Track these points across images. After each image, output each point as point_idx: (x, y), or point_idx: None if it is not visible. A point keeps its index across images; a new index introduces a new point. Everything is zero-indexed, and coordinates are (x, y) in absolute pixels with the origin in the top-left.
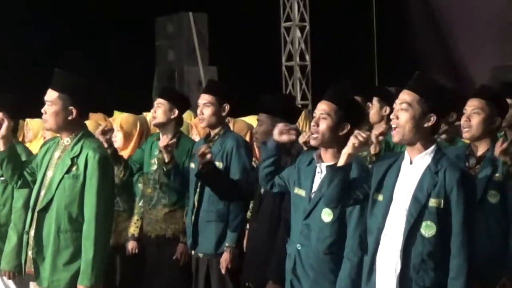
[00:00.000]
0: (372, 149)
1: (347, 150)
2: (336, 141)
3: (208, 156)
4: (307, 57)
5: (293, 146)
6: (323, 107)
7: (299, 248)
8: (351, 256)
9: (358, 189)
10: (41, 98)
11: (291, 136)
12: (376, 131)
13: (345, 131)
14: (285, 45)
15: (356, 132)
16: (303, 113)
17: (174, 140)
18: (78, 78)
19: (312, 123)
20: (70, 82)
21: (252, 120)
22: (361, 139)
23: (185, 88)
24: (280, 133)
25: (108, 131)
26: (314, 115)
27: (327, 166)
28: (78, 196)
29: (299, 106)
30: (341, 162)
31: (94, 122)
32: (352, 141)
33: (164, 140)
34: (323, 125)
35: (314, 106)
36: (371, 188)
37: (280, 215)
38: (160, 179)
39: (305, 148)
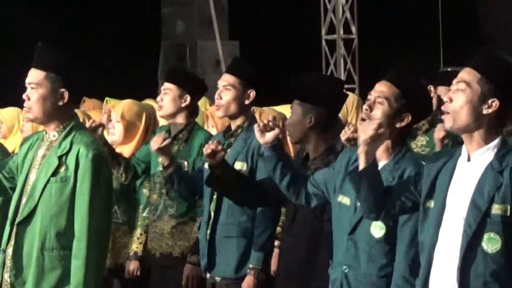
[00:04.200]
0: None
1: (360, 150)
2: (391, 134)
3: (219, 155)
4: (353, 29)
5: (337, 141)
6: (382, 88)
7: (346, 271)
8: (401, 283)
9: (403, 195)
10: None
11: (275, 131)
12: (438, 134)
13: (403, 124)
14: (326, 14)
15: (365, 122)
16: (352, 100)
17: (168, 140)
18: (67, 53)
19: (365, 107)
20: (59, 58)
21: (285, 109)
22: (372, 132)
23: (199, 68)
24: (261, 133)
25: (97, 128)
26: (369, 97)
27: (348, 175)
28: (68, 205)
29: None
30: (361, 164)
31: (82, 113)
32: (361, 137)
33: (157, 141)
34: (378, 111)
35: (362, 90)
36: (422, 194)
37: (322, 228)
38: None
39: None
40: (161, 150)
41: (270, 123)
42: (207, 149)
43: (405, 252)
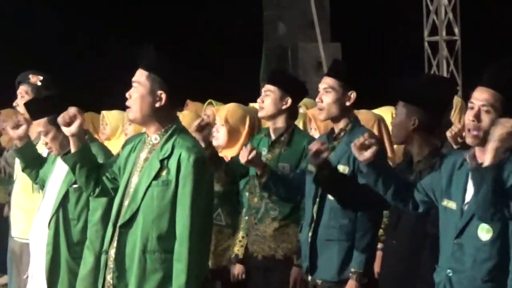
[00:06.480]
0: None
1: (492, 145)
2: None
3: (324, 155)
4: (456, 30)
5: (444, 144)
6: (484, 96)
7: (451, 274)
8: None
9: None
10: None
11: (372, 149)
12: None
13: None
14: (428, 15)
15: (503, 120)
16: (455, 103)
17: (254, 152)
18: (171, 55)
19: (471, 117)
20: (163, 61)
21: (384, 112)
22: (510, 129)
23: (300, 70)
24: (359, 151)
25: (205, 127)
26: (470, 105)
27: (470, 169)
28: (169, 208)
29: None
30: (487, 160)
31: (191, 114)
32: (498, 132)
33: (245, 153)
34: (487, 121)
35: (465, 92)
36: None
37: (425, 230)
38: None
39: (454, 146)
40: (251, 162)
41: (366, 142)
42: (311, 148)
43: None
